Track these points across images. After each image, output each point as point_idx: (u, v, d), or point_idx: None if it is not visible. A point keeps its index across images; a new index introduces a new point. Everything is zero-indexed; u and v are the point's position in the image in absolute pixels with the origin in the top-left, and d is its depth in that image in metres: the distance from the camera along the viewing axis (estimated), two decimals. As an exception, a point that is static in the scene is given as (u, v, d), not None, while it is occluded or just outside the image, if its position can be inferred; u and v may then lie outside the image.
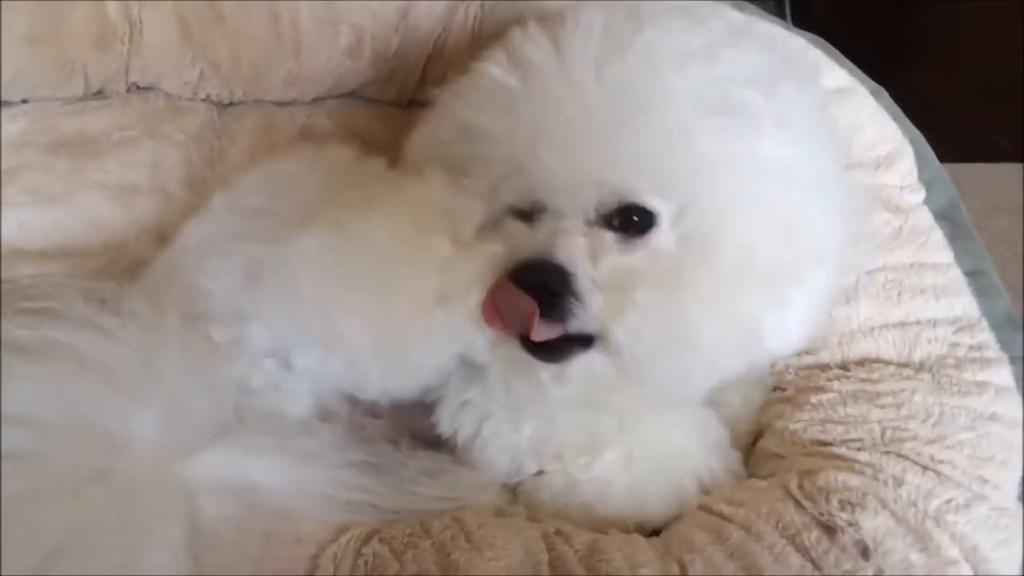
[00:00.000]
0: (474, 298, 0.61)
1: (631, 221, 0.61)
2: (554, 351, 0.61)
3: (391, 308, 0.64)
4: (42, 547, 0.54)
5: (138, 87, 0.94)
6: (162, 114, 0.94)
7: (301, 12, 0.92)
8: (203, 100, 0.97)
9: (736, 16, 0.74)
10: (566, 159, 0.60)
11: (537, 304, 0.59)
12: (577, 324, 0.60)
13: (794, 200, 0.62)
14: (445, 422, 0.71)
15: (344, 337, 0.65)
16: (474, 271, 0.62)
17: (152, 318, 0.67)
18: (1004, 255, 1.99)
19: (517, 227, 0.63)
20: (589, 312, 0.59)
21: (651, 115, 0.59)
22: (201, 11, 0.90)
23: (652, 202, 0.60)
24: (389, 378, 0.67)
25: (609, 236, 0.61)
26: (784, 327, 0.62)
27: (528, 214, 0.63)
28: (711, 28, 0.65)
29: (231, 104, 0.98)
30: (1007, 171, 2.25)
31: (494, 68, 0.64)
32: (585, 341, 0.61)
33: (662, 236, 0.61)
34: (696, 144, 0.59)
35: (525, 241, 0.62)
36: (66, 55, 0.87)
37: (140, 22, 0.89)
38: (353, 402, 0.73)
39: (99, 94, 0.93)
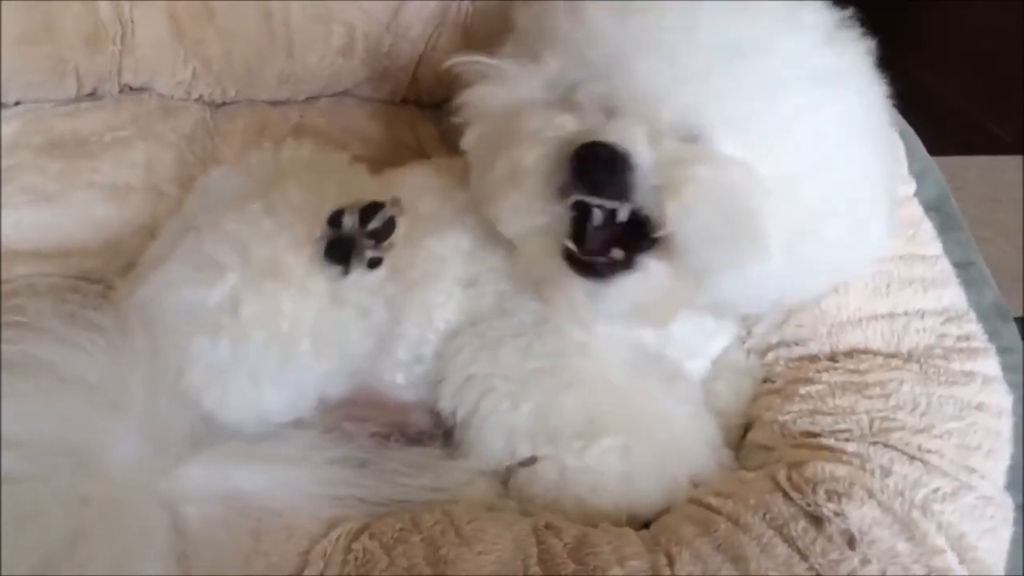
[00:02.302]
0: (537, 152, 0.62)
1: None
2: (596, 271, 0.62)
3: None
4: (28, 568, 0.55)
5: (131, 88, 0.95)
6: (155, 114, 0.95)
7: (293, 10, 0.92)
8: (196, 100, 0.97)
9: None
10: (661, 80, 0.60)
11: (597, 184, 0.59)
12: (638, 200, 0.59)
13: (863, 159, 0.65)
14: (447, 400, 0.72)
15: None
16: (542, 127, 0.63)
17: (120, 332, 0.67)
18: (1004, 247, 1.99)
19: (591, 113, 0.63)
20: (645, 194, 0.59)
21: (756, 62, 0.61)
22: (193, 9, 0.91)
23: (723, 145, 0.61)
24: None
25: (674, 144, 0.61)
26: (859, 240, 0.66)
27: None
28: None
29: (224, 104, 0.98)
30: (1007, 163, 2.25)
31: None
32: (627, 262, 0.61)
33: None
34: (784, 103, 0.61)
35: (595, 126, 0.62)
36: (58, 55, 0.88)
37: (132, 21, 0.90)
38: (336, 406, 0.73)
39: (92, 95, 0.94)
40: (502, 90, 0.67)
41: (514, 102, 0.66)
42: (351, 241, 0.65)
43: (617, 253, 0.62)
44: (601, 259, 0.62)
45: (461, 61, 0.70)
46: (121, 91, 0.94)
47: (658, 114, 0.61)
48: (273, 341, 0.66)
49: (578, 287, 0.63)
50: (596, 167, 0.59)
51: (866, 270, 0.73)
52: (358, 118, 1.01)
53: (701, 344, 0.76)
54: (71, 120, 0.91)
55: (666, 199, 0.59)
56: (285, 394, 0.68)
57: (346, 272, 0.65)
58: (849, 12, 0.68)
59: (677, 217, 0.59)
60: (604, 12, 0.63)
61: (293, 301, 0.65)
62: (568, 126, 0.62)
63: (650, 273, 0.62)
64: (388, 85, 1.00)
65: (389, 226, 0.65)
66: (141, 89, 0.95)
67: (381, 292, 0.68)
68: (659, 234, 0.60)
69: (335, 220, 0.65)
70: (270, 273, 0.65)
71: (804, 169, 0.63)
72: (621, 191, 0.59)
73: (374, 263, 0.65)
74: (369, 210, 0.64)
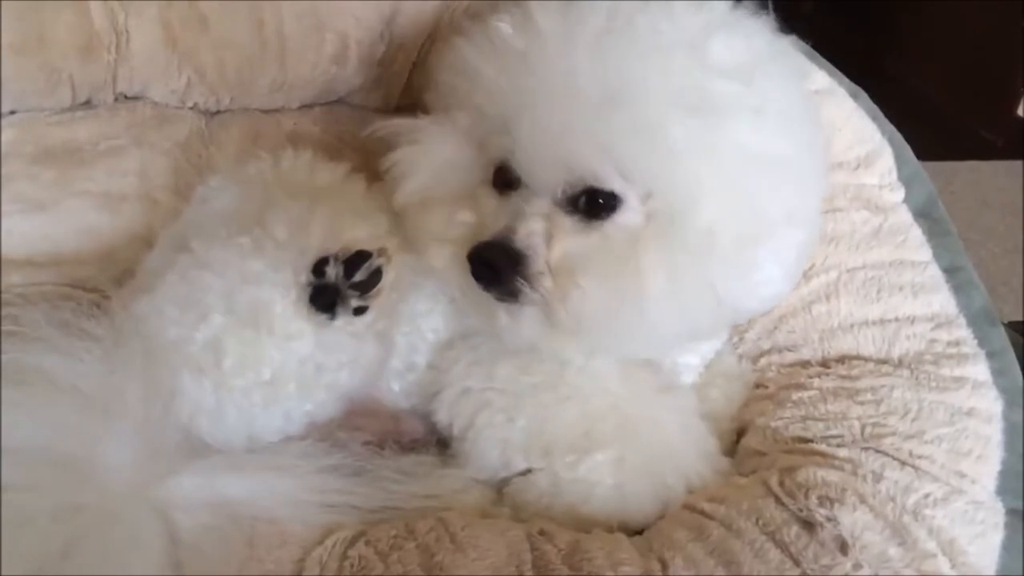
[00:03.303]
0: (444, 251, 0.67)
1: (596, 203, 0.63)
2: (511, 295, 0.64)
3: None
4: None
5: (126, 97, 0.95)
6: (149, 123, 0.94)
7: (285, 19, 0.92)
8: (190, 108, 0.97)
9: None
10: (545, 138, 0.62)
11: (491, 280, 0.64)
12: (525, 300, 0.63)
13: (764, 177, 0.64)
14: (443, 412, 0.73)
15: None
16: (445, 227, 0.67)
17: (115, 341, 0.67)
18: (995, 251, 2.00)
19: (489, 201, 0.67)
20: (537, 292, 0.63)
21: (631, 108, 0.61)
22: (186, 18, 0.90)
23: (619, 186, 0.63)
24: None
25: (568, 221, 0.64)
26: (754, 286, 0.65)
27: (507, 181, 0.66)
28: (707, 13, 0.66)
29: (218, 112, 0.98)
30: (997, 168, 2.26)
31: (505, 24, 0.66)
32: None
33: (628, 215, 0.63)
34: (670, 138, 0.61)
35: (494, 217, 0.65)
36: (52, 65, 0.88)
37: (126, 31, 0.89)
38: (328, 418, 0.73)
39: (87, 104, 0.93)
40: (421, 149, 0.69)
41: (435, 160, 0.69)
42: (336, 291, 0.65)
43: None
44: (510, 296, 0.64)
45: (382, 126, 0.73)
46: (116, 100, 0.94)
47: (555, 177, 0.63)
48: (256, 388, 0.66)
49: (500, 311, 0.66)
50: (491, 267, 0.63)
51: (749, 312, 0.74)
52: (351, 126, 1.00)
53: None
54: (65, 129, 0.91)
55: (556, 296, 0.62)
56: (274, 423, 0.68)
57: (332, 319, 0.65)
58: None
59: (562, 315, 0.63)
60: (494, 70, 0.65)
61: (277, 348, 0.65)
62: (467, 221, 0.66)
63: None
64: (381, 93, 1.00)
65: (375, 277, 0.65)
66: (135, 98, 0.95)
67: (370, 331, 0.68)
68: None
69: (319, 270, 0.65)
70: (252, 321, 0.65)
71: (692, 204, 0.62)
72: (512, 291, 0.63)
73: (360, 311, 0.65)
74: (355, 260, 0.65)
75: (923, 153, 0.89)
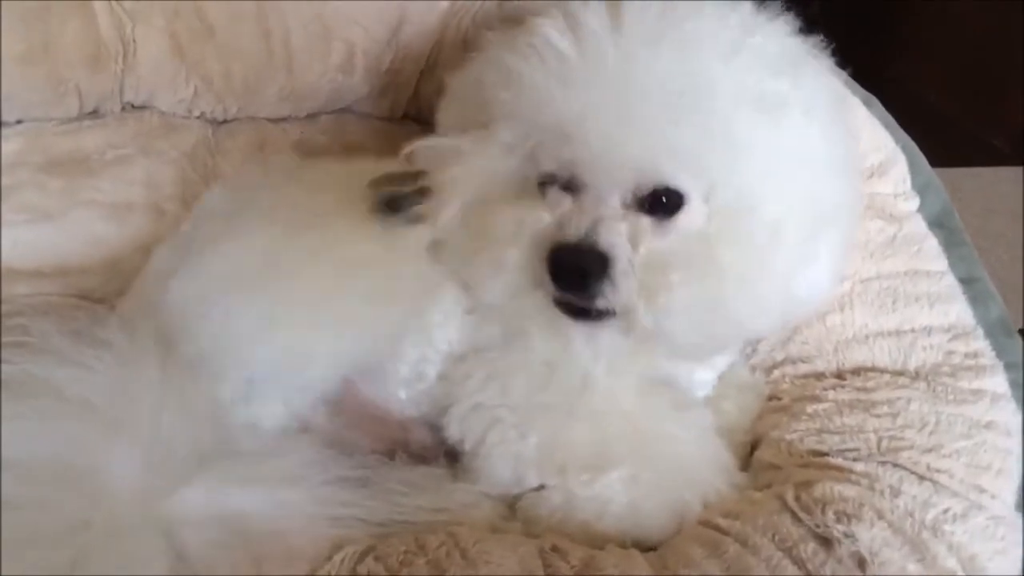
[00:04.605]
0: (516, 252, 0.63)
1: (660, 202, 0.62)
2: (588, 314, 0.62)
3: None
4: None
5: (133, 106, 0.95)
6: (156, 132, 0.94)
7: (292, 28, 0.92)
8: (197, 117, 0.97)
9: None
10: (614, 141, 0.61)
11: (575, 284, 0.61)
12: (606, 303, 0.61)
13: (818, 171, 0.64)
14: (454, 427, 0.72)
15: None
16: (519, 226, 0.63)
17: (127, 347, 0.66)
18: (1003, 257, 1.99)
19: (563, 199, 0.64)
20: (620, 295, 0.60)
21: (697, 105, 0.60)
22: (193, 28, 0.90)
23: (685, 184, 0.62)
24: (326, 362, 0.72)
25: (646, 220, 0.62)
26: (813, 277, 0.65)
27: (566, 186, 0.64)
28: (738, 16, 0.65)
29: (225, 121, 0.98)
30: (1005, 174, 2.25)
31: (550, 28, 0.63)
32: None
33: (692, 215, 0.62)
34: (734, 135, 0.61)
35: (571, 218, 0.62)
36: (59, 75, 0.88)
37: (133, 40, 0.89)
38: (335, 412, 0.74)
39: (94, 114, 0.93)
40: (466, 168, 0.67)
41: (480, 178, 0.67)
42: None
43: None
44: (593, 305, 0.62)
45: (419, 146, 0.70)
46: (123, 109, 0.94)
47: (623, 179, 0.62)
48: None
49: (576, 331, 0.64)
50: (574, 270, 0.61)
51: (807, 308, 0.72)
52: (358, 135, 1.00)
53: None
54: (72, 138, 0.91)
55: (641, 301, 0.60)
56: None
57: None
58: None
59: (652, 317, 0.60)
60: (543, 76, 0.62)
61: None
62: (545, 219, 0.63)
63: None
64: (388, 102, 1.00)
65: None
66: (142, 107, 0.95)
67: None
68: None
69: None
70: None
71: (759, 200, 0.62)
72: (594, 295, 0.61)
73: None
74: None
75: (928, 159, 0.88)
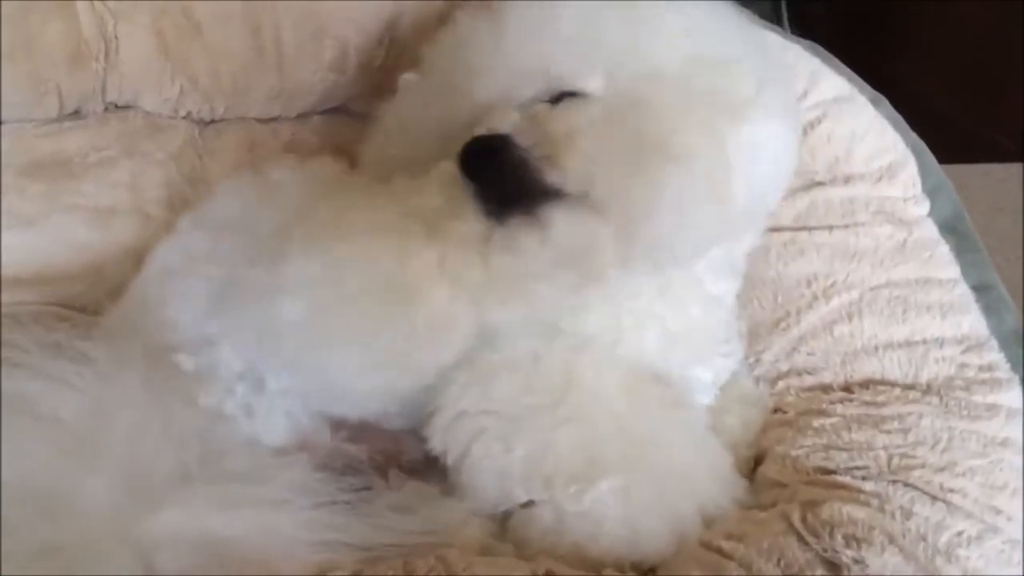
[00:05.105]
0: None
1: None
2: (528, 209, 0.61)
3: (396, 324, 0.64)
4: None
5: (116, 106, 0.92)
6: (141, 133, 0.92)
7: (283, 25, 0.89)
8: (184, 117, 0.94)
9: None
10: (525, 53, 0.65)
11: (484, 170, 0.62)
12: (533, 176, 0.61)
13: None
14: (437, 438, 0.68)
15: (334, 361, 0.65)
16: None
17: (111, 364, 0.64)
18: (1009, 256, 1.96)
19: None
20: (538, 161, 0.61)
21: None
22: (179, 25, 0.88)
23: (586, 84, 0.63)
24: (371, 396, 0.69)
25: (545, 106, 0.63)
26: (748, 168, 0.64)
27: None
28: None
29: (212, 121, 0.95)
30: (1009, 171, 2.23)
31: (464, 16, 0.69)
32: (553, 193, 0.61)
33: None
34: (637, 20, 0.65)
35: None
36: (39, 74, 0.85)
37: (116, 38, 0.87)
38: (335, 427, 0.71)
39: (76, 114, 0.91)
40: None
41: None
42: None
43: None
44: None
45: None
46: (106, 109, 0.92)
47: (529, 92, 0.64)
48: None
49: (524, 231, 0.61)
50: (481, 160, 0.62)
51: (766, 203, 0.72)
52: (351, 135, 0.97)
53: (709, 344, 0.73)
54: (53, 140, 0.88)
55: (555, 166, 0.60)
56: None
57: None
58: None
59: (574, 178, 0.60)
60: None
61: None
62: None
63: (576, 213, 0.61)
64: (381, 101, 0.98)
65: None
66: (126, 107, 0.93)
67: None
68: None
69: None
70: None
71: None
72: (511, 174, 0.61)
73: None
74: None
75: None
